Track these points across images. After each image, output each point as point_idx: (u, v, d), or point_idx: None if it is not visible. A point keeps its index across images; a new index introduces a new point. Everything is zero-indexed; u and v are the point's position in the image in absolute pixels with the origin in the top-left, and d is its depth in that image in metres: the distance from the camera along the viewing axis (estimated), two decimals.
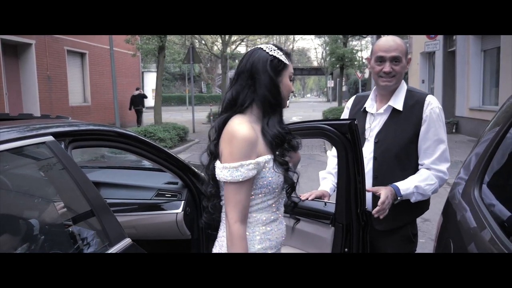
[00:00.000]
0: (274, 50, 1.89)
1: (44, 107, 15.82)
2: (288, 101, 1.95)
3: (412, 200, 2.48)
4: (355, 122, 2.33)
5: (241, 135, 1.78)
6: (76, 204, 2.11)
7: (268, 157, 1.83)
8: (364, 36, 32.57)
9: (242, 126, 1.80)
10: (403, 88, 2.62)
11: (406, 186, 2.45)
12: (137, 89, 22.41)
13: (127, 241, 2.15)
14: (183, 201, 3.29)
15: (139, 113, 21.95)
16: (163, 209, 3.33)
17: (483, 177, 2.12)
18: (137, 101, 21.77)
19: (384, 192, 2.39)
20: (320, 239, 2.58)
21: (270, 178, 1.84)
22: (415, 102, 2.56)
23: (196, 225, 3.32)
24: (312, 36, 54.05)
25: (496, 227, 1.73)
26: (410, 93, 2.60)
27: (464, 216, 2.07)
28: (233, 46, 38.86)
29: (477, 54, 14.92)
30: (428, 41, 12.80)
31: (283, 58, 1.91)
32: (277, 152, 1.86)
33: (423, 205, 2.63)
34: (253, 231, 1.88)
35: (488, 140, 2.26)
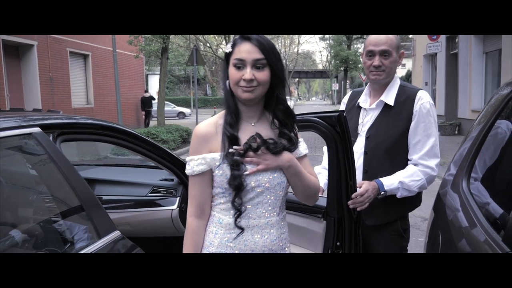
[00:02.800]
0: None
1: (46, 109, 15.69)
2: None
3: (398, 195, 2.48)
4: (344, 114, 2.31)
5: (195, 131, 1.82)
6: (65, 197, 2.09)
7: (216, 154, 1.77)
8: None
9: (202, 123, 1.84)
10: (396, 83, 2.61)
11: (390, 181, 2.45)
12: (146, 91, 23.61)
13: (116, 234, 2.14)
14: (178, 198, 3.29)
15: (148, 115, 23.02)
16: (158, 206, 3.32)
17: (471, 169, 2.12)
18: (147, 103, 22.79)
19: (364, 186, 2.40)
20: (312, 233, 2.57)
21: (217, 178, 1.77)
22: (406, 97, 2.55)
23: None
24: (317, 39, 54.20)
25: (483, 219, 1.72)
26: (402, 88, 2.60)
27: (452, 208, 2.06)
28: None
29: (479, 56, 14.89)
30: (430, 42, 12.78)
31: (228, 46, 1.79)
32: (232, 150, 1.75)
33: (413, 201, 2.62)
34: (216, 232, 1.81)
35: (475, 134, 2.27)
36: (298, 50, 69.54)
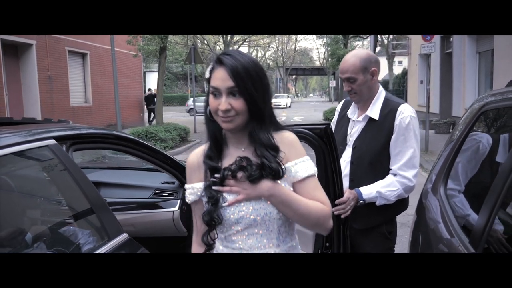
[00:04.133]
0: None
1: (45, 108, 15.82)
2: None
3: (377, 203, 2.64)
4: (330, 127, 2.50)
5: (187, 160, 1.78)
6: (77, 202, 2.28)
7: (201, 184, 1.71)
8: (364, 37, 32.74)
9: (194, 151, 1.79)
10: (380, 97, 2.75)
11: (369, 191, 2.62)
12: (149, 90, 24.66)
13: (124, 236, 2.33)
14: (179, 200, 3.45)
15: (151, 112, 23.66)
16: (160, 208, 3.49)
17: (447, 176, 2.32)
18: (149, 100, 23.61)
19: (346, 194, 2.58)
20: (303, 234, 2.75)
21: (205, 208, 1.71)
22: (389, 111, 2.69)
23: (192, 222, 3.48)
24: (314, 37, 54.19)
25: (455, 223, 1.92)
26: (386, 102, 2.74)
27: (431, 211, 2.27)
28: (235, 47, 39.07)
29: (473, 55, 15.09)
30: (424, 43, 12.94)
31: (207, 71, 1.67)
32: (213, 179, 1.65)
33: (398, 206, 2.77)
34: None
35: (449, 150, 2.47)
36: (295, 47, 69.67)
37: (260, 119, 1.64)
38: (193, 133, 18.88)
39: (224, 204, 1.63)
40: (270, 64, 64.15)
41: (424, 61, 20.62)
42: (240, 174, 1.62)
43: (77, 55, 18.88)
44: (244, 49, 48.23)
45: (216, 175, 1.64)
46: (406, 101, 21.13)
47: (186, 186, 1.76)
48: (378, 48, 33.27)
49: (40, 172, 2.27)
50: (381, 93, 2.78)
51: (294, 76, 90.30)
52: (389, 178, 2.66)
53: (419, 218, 2.58)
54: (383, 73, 49.02)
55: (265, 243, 1.66)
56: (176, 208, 3.44)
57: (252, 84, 1.58)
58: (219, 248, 1.74)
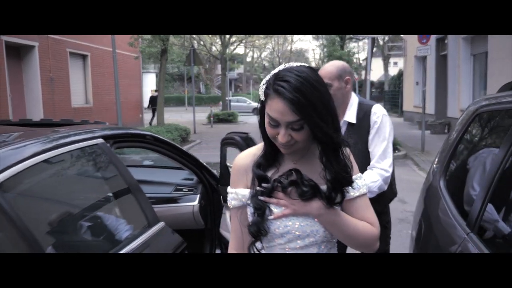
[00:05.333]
0: (270, 75, 1.52)
1: (47, 109, 15.91)
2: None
3: None
4: None
5: (234, 162, 1.69)
6: (122, 192, 2.60)
7: (247, 191, 1.62)
8: (360, 38, 33.00)
9: (242, 153, 1.71)
10: (354, 102, 3.01)
11: None
12: (156, 91, 25.14)
13: (161, 224, 2.65)
14: (198, 195, 3.77)
15: (155, 112, 23.88)
16: (181, 202, 3.80)
17: (446, 170, 2.65)
18: (154, 101, 23.81)
19: None
20: None
21: (249, 216, 1.62)
22: (364, 113, 2.96)
23: (209, 215, 3.80)
24: (310, 38, 54.20)
25: (453, 209, 2.25)
26: (360, 105, 2.99)
27: (432, 200, 2.59)
28: (232, 47, 39.29)
29: (467, 58, 15.47)
30: (420, 46, 13.26)
31: (261, 89, 1.52)
32: (261, 189, 1.56)
33: (387, 196, 2.99)
34: None
35: (447, 147, 2.79)
36: (291, 48, 69.94)
37: (333, 147, 1.53)
38: (193, 134, 19.16)
39: (269, 217, 1.55)
40: (266, 65, 64.40)
41: (420, 63, 20.95)
42: (290, 189, 1.54)
43: (78, 56, 18.93)
44: (240, 50, 48.48)
45: (264, 185, 1.55)
46: (402, 102, 21.35)
47: (230, 189, 1.68)
48: (374, 50, 33.59)
49: (92, 166, 2.57)
50: (354, 99, 3.02)
51: None
52: (368, 171, 2.87)
53: (425, 207, 2.89)
54: (378, 74, 49.45)
55: None
56: (195, 203, 3.74)
57: (318, 115, 1.43)
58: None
